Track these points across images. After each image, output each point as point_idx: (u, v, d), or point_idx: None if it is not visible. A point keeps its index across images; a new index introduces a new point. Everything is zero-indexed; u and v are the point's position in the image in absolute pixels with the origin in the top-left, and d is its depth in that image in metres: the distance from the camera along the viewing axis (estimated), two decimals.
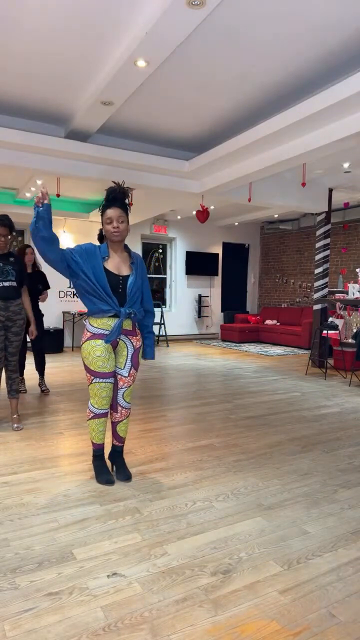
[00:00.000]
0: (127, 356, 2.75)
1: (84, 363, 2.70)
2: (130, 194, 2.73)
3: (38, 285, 5.14)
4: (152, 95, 4.41)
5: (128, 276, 2.67)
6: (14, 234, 9.12)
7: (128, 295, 2.65)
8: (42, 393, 5.23)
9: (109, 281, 2.61)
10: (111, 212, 2.61)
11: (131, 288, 2.65)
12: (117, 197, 2.64)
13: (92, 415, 2.74)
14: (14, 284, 3.74)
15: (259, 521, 2.34)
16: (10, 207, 8.31)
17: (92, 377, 2.67)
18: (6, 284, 3.69)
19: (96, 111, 4.48)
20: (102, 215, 2.66)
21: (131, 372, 2.76)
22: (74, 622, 1.62)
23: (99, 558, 2.00)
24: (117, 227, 2.60)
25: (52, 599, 1.74)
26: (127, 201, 2.71)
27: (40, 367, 5.29)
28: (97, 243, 2.83)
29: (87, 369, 2.68)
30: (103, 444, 2.83)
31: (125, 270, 2.69)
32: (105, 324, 2.64)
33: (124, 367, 2.75)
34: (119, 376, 2.76)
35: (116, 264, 2.67)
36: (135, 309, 2.69)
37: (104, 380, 2.67)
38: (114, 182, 2.75)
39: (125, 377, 2.76)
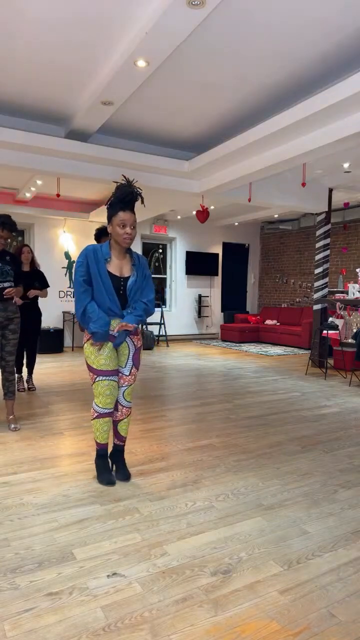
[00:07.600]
0: (128, 355, 2.76)
1: (86, 363, 2.71)
2: (142, 197, 2.63)
3: (35, 284, 5.15)
4: (152, 95, 4.41)
5: (129, 277, 2.67)
6: (14, 234, 9.13)
7: (129, 297, 2.65)
8: (29, 390, 5.28)
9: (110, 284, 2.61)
10: (126, 216, 2.50)
11: (131, 289, 2.65)
12: (132, 201, 2.53)
13: (96, 414, 2.74)
14: (12, 284, 3.75)
15: (259, 521, 2.34)
16: (10, 207, 8.31)
17: (96, 376, 2.67)
18: (6, 284, 3.69)
19: (96, 111, 4.48)
20: (112, 214, 2.54)
21: (132, 370, 2.77)
22: (74, 622, 1.62)
23: (99, 558, 2.00)
24: (130, 233, 2.55)
25: (52, 599, 1.74)
26: (142, 204, 2.68)
27: (31, 364, 5.38)
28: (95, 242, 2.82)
29: (90, 368, 2.69)
30: (107, 443, 2.83)
31: (126, 272, 2.68)
32: None
33: (125, 365, 2.76)
34: (121, 375, 2.77)
35: (118, 266, 2.66)
36: None
37: (108, 378, 2.67)
38: (124, 177, 2.63)
39: (126, 375, 2.76)
